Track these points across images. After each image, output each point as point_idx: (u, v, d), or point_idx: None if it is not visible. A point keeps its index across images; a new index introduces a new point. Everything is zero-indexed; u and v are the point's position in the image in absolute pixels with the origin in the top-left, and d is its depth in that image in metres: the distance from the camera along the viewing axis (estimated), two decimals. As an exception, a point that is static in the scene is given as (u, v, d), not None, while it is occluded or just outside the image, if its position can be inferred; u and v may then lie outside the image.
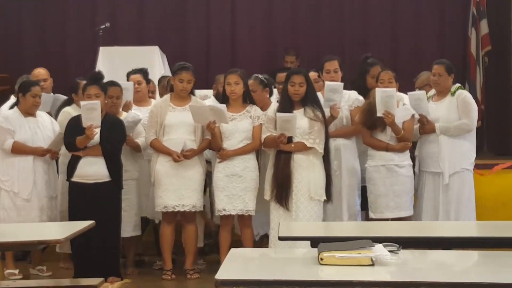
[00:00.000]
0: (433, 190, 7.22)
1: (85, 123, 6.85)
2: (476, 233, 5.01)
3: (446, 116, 7.21)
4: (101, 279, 5.41)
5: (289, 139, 6.87)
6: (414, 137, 7.34)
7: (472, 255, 4.11)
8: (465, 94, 7.35)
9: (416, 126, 7.29)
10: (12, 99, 7.69)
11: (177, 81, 7.24)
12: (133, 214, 7.51)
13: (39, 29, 11.31)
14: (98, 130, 6.90)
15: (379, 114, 6.99)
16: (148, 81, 8.07)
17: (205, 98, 8.15)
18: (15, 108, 7.35)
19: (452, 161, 7.16)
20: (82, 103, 6.93)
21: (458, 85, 7.40)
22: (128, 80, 7.90)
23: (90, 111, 6.83)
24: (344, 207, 7.27)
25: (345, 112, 7.39)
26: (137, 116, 7.43)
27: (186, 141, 7.18)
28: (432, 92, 7.46)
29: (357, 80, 7.80)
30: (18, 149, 7.24)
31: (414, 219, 7.23)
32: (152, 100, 8.04)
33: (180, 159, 7.11)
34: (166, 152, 7.18)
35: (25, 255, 7.99)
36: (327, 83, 7.25)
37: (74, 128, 6.97)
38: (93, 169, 6.98)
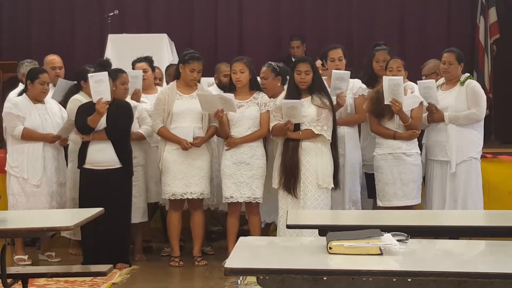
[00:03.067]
0: (441, 178, 7.24)
1: (95, 97, 6.84)
2: (484, 222, 5.01)
3: (455, 105, 7.22)
4: (110, 265, 5.43)
5: (297, 127, 6.89)
6: (422, 126, 7.35)
7: (480, 245, 4.12)
8: (474, 83, 7.35)
9: (424, 114, 7.29)
10: (21, 86, 7.71)
11: (188, 71, 7.25)
12: (142, 200, 7.55)
13: (47, 16, 11.33)
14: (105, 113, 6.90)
15: (386, 102, 7.00)
16: (153, 68, 8.09)
17: (209, 85, 8.17)
18: (24, 95, 7.38)
19: (460, 150, 7.17)
20: (90, 75, 6.95)
21: (467, 74, 7.41)
22: (133, 68, 7.91)
23: (99, 83, 6.82)
24: (347, 194, 7.29)
25: (349, 100, 7.40)
26: (133, 102, 7.42)
27: (194, 129, 7.21)
28: (441, 81, 7.46)
29: (365, 67, 7.82)
30: (28, 136, 7.27)
31: (422, 207, 7.26)
32: (159, 87, 8.06)
33: (189, 147, 7.13)
34: (175, 140, 7.19)
35: (34, 240, 8.03)
36: (334, 71, 7.25)
37: (86, 110, 6.99)
38: (103, 156, 7.01)
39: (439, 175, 7.26)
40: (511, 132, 10.35)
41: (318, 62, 7.50)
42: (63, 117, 7.47)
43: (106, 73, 6.87)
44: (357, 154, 7.45)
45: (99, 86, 6.83)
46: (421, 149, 7.32)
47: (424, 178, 7.38)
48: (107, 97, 6.85)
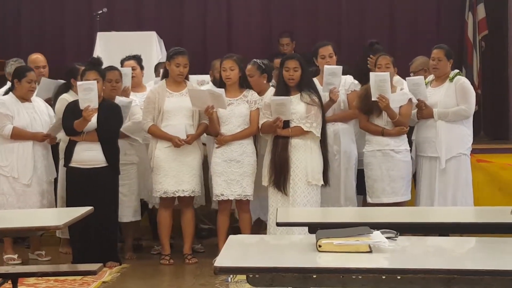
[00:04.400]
0: (430, 175, 7.25)
1: (82, 104, 6.85)
2: (474, 219, 5.03)
3: (444, 102, 7.23)
4: (100, 264, 5.41)
5: (287, 124, 6.89)
6: (412, 122, 7.37)
7: (470, 241, 4.13)
8: (463, 80, 7.36)
9: (414, 111, 7.31)
10: (9, 84, 7.68)
11: (174, 66, 7.25)
12: (133, 199, 7.55)
13: (36, 14, 11.27)
14: (95, 114, 6.90)
15: (373, 98, 7.01)
16: (142, 67, 8.08)
17: (203, 83, 8.18)
18: (11, 93, 7.36)
19: (449, 146, 7.19)
20: (79, 83, 6.95)
21: (456, 71, 7.42)
22: (122, 66, 7.90)
23: (87, 91, 6.82)
24: (342, 191, 7.30)
25: (342, 96, 7.41)
26: (126, 99, 7.42)
27: (186, 126, 7.20)
28: (431, 77, 7.47)
29: (359, 64, 7.82)
30: (18, 135, 7.26)
31: (412, 204, 7.27)
32: (146, 85, 8.05)
33: (181, 144, 7.12)
34: (167, 137, 7.19)
35: (24, 238, 8.01)
36: (326, 66, 7.25)
37: (73, 112, 6.98)
38: (89, 155, 7.01)
39: (428, 171, 7.27)
40: (500, 128, 10.37)
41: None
42: (50, 115, 7.46)
43: (95, 82, 6.87)
44: (354, 150, 7.43)
45: (87, 94, 6.83)
46: (411, 145, 7.33)
47: (414, 175, 7.40)
48: (95, 104, 6.85)
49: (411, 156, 7.31)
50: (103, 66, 7.33)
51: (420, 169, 7.34)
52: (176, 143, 7.12)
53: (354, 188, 7.40)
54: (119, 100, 7.34)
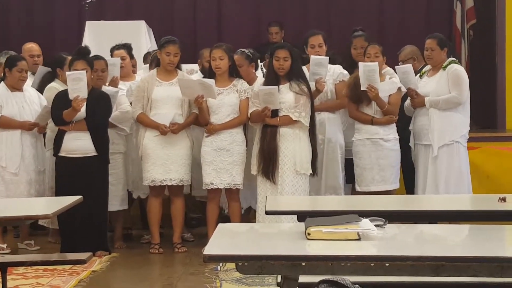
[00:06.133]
0: (424, 162, 7.25)
1: (71, 94, 6.84)
2: (462, 207, 5.03)
3: (435, 90, 7.20)
4: (90, 253, 5.42)
5: (276, 113, 6.90)
6: (409, 112, 7.37)
7: (459, 229, 4.14)
8: (455, 67, 7.28)
9: (408, 100, 7.32)
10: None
11: (164, 55, 7.25)
12: (120, 188, 7.54)
13: (25, 3, 11.23)
14: (84, 103, 6.89)
15: (363, 88, 7.01)
16: (132, 56, 8.06)
17: (192, 72, 8.15)
18: (2, 83, 7.35)
19: (441, 134, 7.14)
20: (67, 73, 6.94)
21: (451, 59, 7.39)
22: (112, 55, 7.88)
23: (76, 81, 6.82)
24: (323, 180, 7.30)
25: (330, 86, 7.41)
26: (112, 89, 7.40)
27: (174, 115, 7.20)
28: (428, 67, 7.45)
29: (344, 53, 7.83)
30: (5, 124, 7.25)
31: (400, 192, 7.29)
32: (136, 75, 8.04)
33: (167, 130, 7.12)
34: (153, 125, 7.19)
35: (15, 227, 8.00)
36: (312, 57, 7.25)
37: (61, 101, 6.98)
38: (78, 144, 7.00)
39: (423, 159, 7.27)
40: (488, 116, 10.39)
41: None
42: (42, 105, 7.44)
43: (84, 72, 6.86)
44: (340, 140, 7.43)
45: (77, 84, 6.82)
46: (409, 134, 7.34)
47: (414, 164, 7.40)
48: (84, 94, 6.84)
49: (410, 145, 7.33)
50: (91, 55, 7.31)
51: (417, 158, 7.35)
52: (162, 129, 7.12)
53: (340, 178, 7.39)
54: (105, 89, 7.33)
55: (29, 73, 7.57)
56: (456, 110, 7.23)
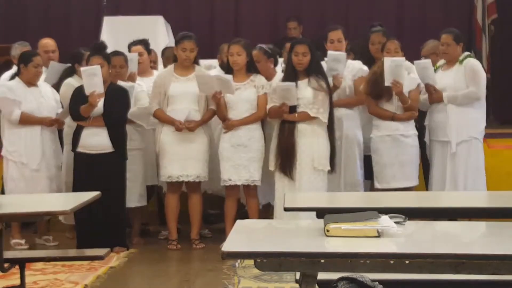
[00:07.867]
0: (442, 159, 7.20)
1: (87, 90, 6.84)
2: (483, 204, 4.99)
3: (453, 85, 7.16)
4: (107, 249, 5.41)
5: (294, 109, 6.86)
6: (424, 107, 7.32)
7: (478, 226, 4.11)
8: (472, 62, 7.27)
9: (425, 96, 7.27)
10: (15, 67, 7.66)
11: (180, 51, 7.23)
12: (139, 185, 7.52)
13: (42, -1, 11.27)
14: (101, 99, 6.88)
15: (387, 83, 6.95)
16: (149, 51, 8.04)
17: (210, 68, 8.13)
18: (17, 78, 7.35)
19: (460, 130, 7.11)
20: (82, 69, 6.94)
21: (467, 53, 7.35)
22: (129, 51, 7.86)
23: (91, 77, 6.81)
24: (342, 176, 7.26)
25: (348, 82, 7.36)
26: (127, 84, 7.36)
27: (190, 111, 7.18)
28: (442, 61, 7.41)
29: (361, 48, 7.79)
30: (26, 120, 7.25)
31: (420, 189, 7.24)
32: (154, 70, 8.02)
33: (182, 127, 7.10)
34: (170, 121, 7.18)
35: (31, 222, 8.01)
36: (329, 52, 7.21)
37: (79, 96, 6.96)
38: (96, 140, 6.99)
39: (440, 156, 7.22)
40: (509, 112, 10.34)
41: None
42: (56, 99, 7.45)
43: (98, 66, 6.84)
44: (358, 136, 7.38)
45: (92, 80, 6.81)
46: (424, 130, 7.29)
47: (428, 160, 7.35)
48: (100, 89, 6.83)
49: (425, 141, 7.28)
50: (108, 51, 7.29)
51: (433, 154, 7.29)
52: (177, 126, 7.10)
53: (359, 174, 7.35)
54: (120, 84, 7.31)
55: (43, 68, 7.56)
56: (473, 106, 7.19)
